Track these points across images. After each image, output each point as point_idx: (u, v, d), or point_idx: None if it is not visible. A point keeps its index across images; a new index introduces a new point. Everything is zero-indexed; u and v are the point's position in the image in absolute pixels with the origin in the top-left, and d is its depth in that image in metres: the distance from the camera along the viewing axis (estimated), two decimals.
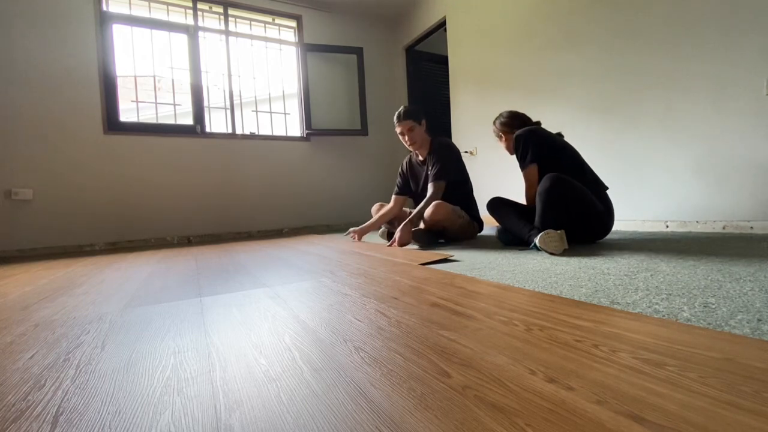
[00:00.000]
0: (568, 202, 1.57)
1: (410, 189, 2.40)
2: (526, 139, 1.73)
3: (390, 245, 2.04)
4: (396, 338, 0.66)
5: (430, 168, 2.16)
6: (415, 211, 2.08)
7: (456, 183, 2.18)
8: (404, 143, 2.20)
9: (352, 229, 2.42)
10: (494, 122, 1.98)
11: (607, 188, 1.73)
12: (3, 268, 2.09)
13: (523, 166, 1.75)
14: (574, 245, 1.67)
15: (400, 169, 2.43)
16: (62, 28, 3.01)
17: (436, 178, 2.08)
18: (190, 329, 0.78)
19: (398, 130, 2.18)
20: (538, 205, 1.60)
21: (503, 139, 1.96)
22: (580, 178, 1.67)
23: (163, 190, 3.38)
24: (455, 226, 2.09)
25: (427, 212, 2.04)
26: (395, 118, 2.17)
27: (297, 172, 4.01)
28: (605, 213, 1.66)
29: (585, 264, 1.25)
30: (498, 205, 1.85)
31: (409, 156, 2.40)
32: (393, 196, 2.42)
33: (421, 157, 2.26)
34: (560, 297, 0.86)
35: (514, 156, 1.83)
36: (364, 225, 2.41)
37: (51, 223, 2.97)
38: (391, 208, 2.38)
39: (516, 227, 1.74)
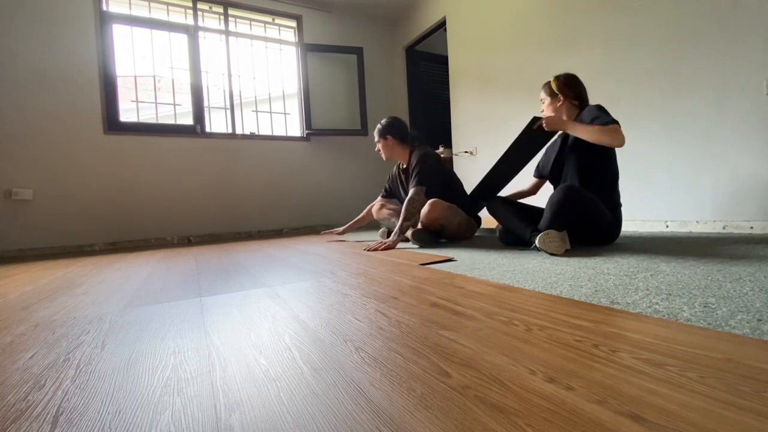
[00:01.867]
0: (576, 217, 1.53)
1: (399, 194, 2.50)
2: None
3: (369, 249, 1.97)
4: (396, 338, 0.66)
5: (410, 176, 2.28)
6: (399, 221, 2.09)
7: (440, 185, 2.22)
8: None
9: (335, 229, 2.63)
10: (555, 79, 1.74)
11: (620, 205, 1.68)
12: (3, 268, 2.09)
13: (608, 121, 1.50)
14: (574, 246, 1.67)
15: (389, 174, 2.57)
16: (62, 28, 3.01)
17: (414, 184, 2.16)
18: (190, 329, 0.78)
19: (377, 144, 2.42)
20: (546, 212, 1.55)
21: (558, 100, 1.74)
22: (610, 183, 1.64)
23: (163, 190, 3.38)
24: (453, 225, 2.10)
25: (423, 211, 2.07)
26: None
27: (297, 172, 4.01)
28: (613, 224, 1.62)
29: (585, 264, 1.25)
30: (497, 204, 1.82)
31: (398, 163, 2.51)
32: (379, 197, 2.58)
33: (404, 165, 2.42)
34: (560, 297, 0.86)
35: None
36: (349, 224, 2.63)
37: (51, 223, 2.97)
38: (372, 209, 2.58)
39: (516, 227, 1.72)
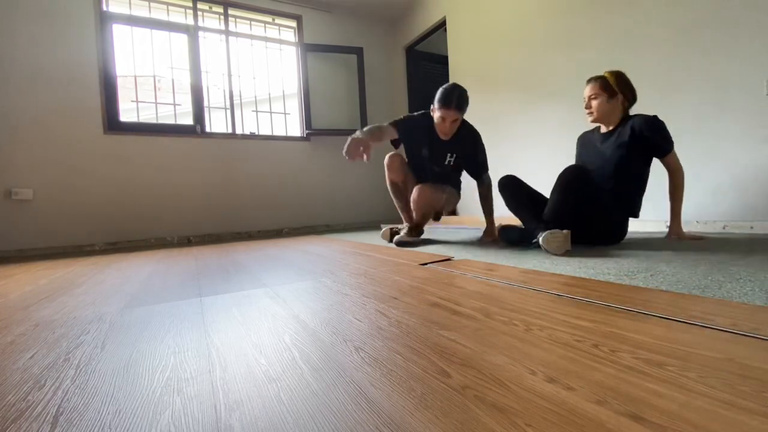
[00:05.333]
0: (583, 201, 1.55)
1: (418, 154, 2.17)
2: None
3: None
4: (396, 338, 0.66)
5: (453, 150, 2.10)
6: (489, 217, 2.18)
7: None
8: (443, 125, 2.01)
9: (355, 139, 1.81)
10: (612, 74, 1.67)
11: (633, 215, 1.66)
12: (3, 268, 2.09)
13: (669, 149, 1.62)
14: (575, 246, 1.67)
15: (413, 117, 2.15)
16: (62, 28, 3.01)
17: (486, 170, 2.17)
18: (190, 329, 0.78)
19: (446, 114, 1.96)
20: (553, 197, 1.56)
21: (617, 99, 1.67)
22: (636, 187, 1.66)
23: (163, 190, 3.38)
24: (441, 202, 2.15)
25: (412, 198, 2.08)
26: (448, 101, 1.94)
27: (297, 172, 4.01)
28: (618, 224, 1.62)
29: (585, 264, 1.25)
30: (510, 185, 1.79)
31: (431, 124, 2.12)
32: (387, 124, 2.06)
33: (443, 137, 2.09)
34: (560, 297, 0.86)
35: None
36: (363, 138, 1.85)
37: (51, 223, 2.97)
38: (387, 130, 2.04)
39: (523, 214, 1.71)
